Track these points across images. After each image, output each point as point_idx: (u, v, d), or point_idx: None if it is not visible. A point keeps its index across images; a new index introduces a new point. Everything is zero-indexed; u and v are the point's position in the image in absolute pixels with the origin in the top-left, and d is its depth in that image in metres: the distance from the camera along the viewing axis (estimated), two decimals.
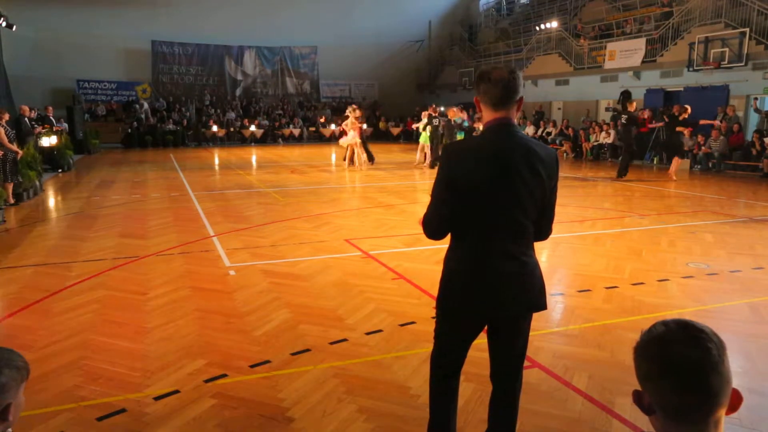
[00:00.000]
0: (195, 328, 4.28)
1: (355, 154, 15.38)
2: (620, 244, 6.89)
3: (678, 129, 12.57)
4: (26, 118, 13.86)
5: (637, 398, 1.13)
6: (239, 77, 30.08)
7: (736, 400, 1.08)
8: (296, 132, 27.75)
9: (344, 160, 15.70)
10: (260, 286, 5.29)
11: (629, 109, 13.54)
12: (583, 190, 11.74)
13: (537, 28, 24.26)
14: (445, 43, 31.96)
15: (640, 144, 17.32)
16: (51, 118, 16.81)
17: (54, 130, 15.85)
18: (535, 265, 2.28)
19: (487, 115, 2.21)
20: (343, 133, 16.44)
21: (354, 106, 15.82)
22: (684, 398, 1.05)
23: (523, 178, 2.14)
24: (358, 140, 15.22)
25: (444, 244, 2.39)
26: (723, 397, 1.06)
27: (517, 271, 2.21)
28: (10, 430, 1.34)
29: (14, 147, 10.17)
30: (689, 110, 12.54)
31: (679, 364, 1.05)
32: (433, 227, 2.29)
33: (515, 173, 2.13)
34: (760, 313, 4.59)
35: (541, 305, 2.29)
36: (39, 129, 14.58)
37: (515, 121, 2.23)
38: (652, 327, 1.13)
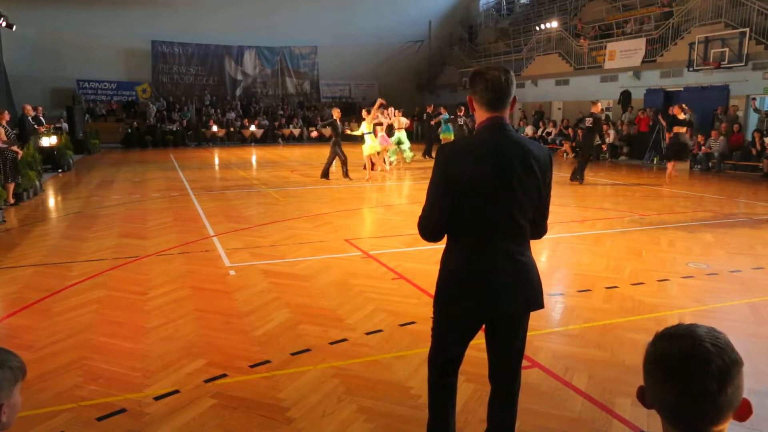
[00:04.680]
0: (195, 328, 4.28)
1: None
2: (620, 244, 6.88)
3: (675, 129, 12.06)
4: (29, 118, 13.85)
5: (640, 394, 1.12)
6: (239, 77, 30.09)
7: (745, 411, 1.05)
8: (296, 132, 27.74)
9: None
10: (260, 286, 5.29)
11: (592, 110, 12.34)
12: (583, 190, 11.74)
13: (537, 28, 24.25)
14: (445, 43, 31.95)
15: (640, 144, 17.33)
16: (41, 117, 16.42)
17: (52, 128, 15.75)
18: (532, 264, 2.28)
19: (481, 114, 2.23)
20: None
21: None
22: (684, 416, 1.04)
23: (520, 177, 2.14)
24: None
25: (444, 245, 2.39)
26: (727, 413, 1.03)
27: (514, 270, 2.21)
28: None
29: (15, 147, 10.17)
30: (684, 108, 12.07)
31: (681, 392, 1.03)
32: (429, 228, 2.27)
33: (512, 172, 2.13)
34: (760, 313, 4.59)
35: (539, 304, 2.30)
36: (41, 129, 14.55)
37: (509, 120, 2.25)
38: (658, 340, 1.08)
